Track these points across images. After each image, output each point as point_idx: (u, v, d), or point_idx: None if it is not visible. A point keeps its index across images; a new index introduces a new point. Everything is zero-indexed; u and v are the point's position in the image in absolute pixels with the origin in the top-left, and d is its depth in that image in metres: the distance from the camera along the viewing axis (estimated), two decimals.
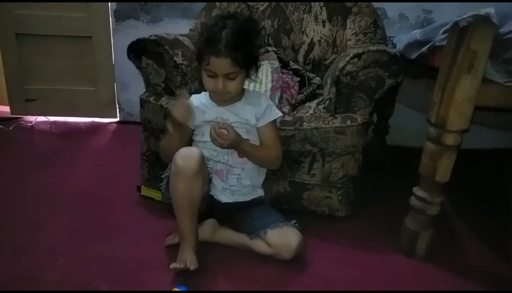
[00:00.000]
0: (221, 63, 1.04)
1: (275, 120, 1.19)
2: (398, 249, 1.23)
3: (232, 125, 1.12)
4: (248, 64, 1.09)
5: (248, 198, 1.22)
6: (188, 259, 1.04)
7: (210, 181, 1.17)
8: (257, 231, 1.13)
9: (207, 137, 1.12)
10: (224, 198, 1.20)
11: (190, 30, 1.82)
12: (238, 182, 1.18)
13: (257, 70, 1.16)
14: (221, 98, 1.14)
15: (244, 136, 1.14)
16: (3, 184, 1.57)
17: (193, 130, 1.20)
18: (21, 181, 1.61)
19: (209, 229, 1.20)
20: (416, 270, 1.16)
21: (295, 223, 1.15)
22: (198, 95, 1.23)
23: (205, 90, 1.19)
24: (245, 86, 1.23)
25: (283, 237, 1.11)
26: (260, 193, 1.26)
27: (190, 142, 1.21)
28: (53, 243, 1.19)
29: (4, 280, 1.03)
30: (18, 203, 1.42)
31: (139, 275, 1.07)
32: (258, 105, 1.16)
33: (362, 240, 1.30)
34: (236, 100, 1.16)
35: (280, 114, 1.20)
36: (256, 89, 1.39)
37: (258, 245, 1.13)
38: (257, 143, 1.18)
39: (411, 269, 1.17)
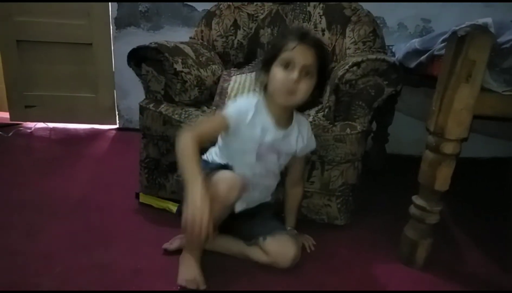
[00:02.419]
0: (306, 51, 0.98)
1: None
2: (398, 258, 1.23)
3: (282, 155, 1.12)
4: (322, 73, 1.04)
5: (256, 203, 1.21)
6: (198, 279, 1.02)
7: None
8: (256, 237, 1.12)
9: (249, 158, 1.08)
10: (237, 206, 1.11)
11: (190, 38, 1.84)
12: (258, 193, 1.18)
13: (317, 100, 1.11)
14: (287, 101, 1.02)
15: (284, 164, 1.16)
16: (2, 190, 1.57)
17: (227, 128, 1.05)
18: (19, 187, 1.60)
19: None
20: (416, 279, 1.16)
21: (292, 232, 1.15)
22: (256, 99, 1.08)
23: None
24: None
25: (281, 246, 1.10)
26: (268, 198, 1.24)
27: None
28: (51, 250, 1.19)
29: (1, 286, 1.02)
30: (16, 209, 1.41)
31: (137, 283, 1.07)
32: (305, 134, 1.14)
33: (361, 248, 1.29)
34: (289, 122, 1.10)
35: (315, 144, 1.19)
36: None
37: (255, 253, 1.12)
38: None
39: (411, 278, 1.16)
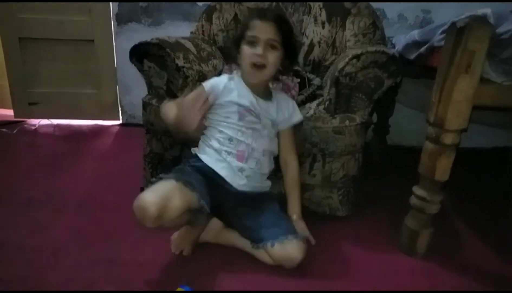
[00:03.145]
0: (266, 27, 1.08)
1: (295, 124, 1.23)
2: (399, 248, 1.24)
3: (262, 119, 1.17)
4: (288, 45, 1.13)
5: (258, 188, 1.21)
6: (185, 248, 1.16)
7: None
8: (262, 242, 1.10)
9: (232, 119, 1.15)
10: (238, 179, 1.15)
11: (191, 33, 1.84)
12: (257, 166, 1.17)
13: (290, 69, 1.21)
14: (257, 77, 1.14)
15: (269, 128, 1.19)
16: (9, 186, 1.60)
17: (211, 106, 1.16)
18: (26, 184, 1.63)
19: (213, 231, 1.22)
20: (416, 269, 1.18)
21: (298, 235, 1.11)
22: (228, 75, 1.23)
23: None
24: None
25: (286, 251, 1.08)
26: (268, 184, 1.25)
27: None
28: (58, 245, 1.21)
29: (10, 281, 1.05)
30: (23, 206, 1.44)
31: (143, 277, 1.09)
32: (287, 107, 1.21)
33: (363, 239, 1.31)
34: (269, 97, 1.20)
35: (302, 117, 1.24)
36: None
37: (260, 255, 1.13)
38: (275, 138, 1.22)
39: (412, 268, 1.18)
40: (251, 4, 1.79)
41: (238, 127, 1.15)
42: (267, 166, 1.22)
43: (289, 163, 1.24)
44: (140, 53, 1.42)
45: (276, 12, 1.13)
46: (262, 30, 1.08)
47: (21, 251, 1.17)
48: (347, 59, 1.22)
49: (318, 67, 1.70)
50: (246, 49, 1.12)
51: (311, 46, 1.70)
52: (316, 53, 1.70)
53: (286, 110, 1.21)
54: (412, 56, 1.41)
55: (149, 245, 1.22)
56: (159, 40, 1.40)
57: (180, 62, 1.40)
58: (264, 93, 1.20)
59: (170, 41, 1.44)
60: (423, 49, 1.30)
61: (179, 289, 1.02)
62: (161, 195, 1.01)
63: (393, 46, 1.76)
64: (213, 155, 1.16)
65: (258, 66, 1.10)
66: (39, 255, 1.16)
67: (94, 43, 2.35)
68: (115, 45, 2.37)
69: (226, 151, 1.15)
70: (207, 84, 1.18)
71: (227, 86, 1.17)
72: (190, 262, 1.16)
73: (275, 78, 1.23)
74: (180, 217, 1.06)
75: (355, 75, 1.22)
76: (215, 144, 1.16)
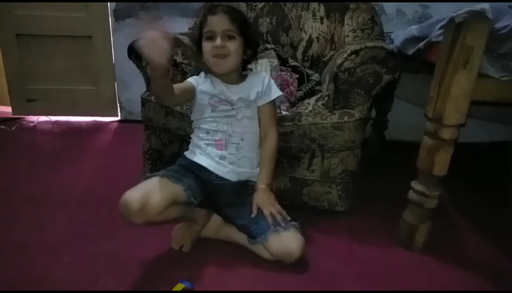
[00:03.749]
0: (219, 19, 1.11)
1: (274, 99, 1.22)
2: (397, 242, 1.25)
3: (234, 105, 1.18)
4: (245, 33, 1.15)
5: (247, 174, 1.21)
6: (185, 244, 1.18)
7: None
8: (257, 238, 1.11)
9: (206, 113, 1.19)
10: (221, 167, 1.17)
11: (189, 28, 1.84)
12: (237, 151, 1.18)
13: (254, 57, 1.22)
14: (221, 65, 1.15)
15: (244, 111, 1.19)
16: (8, 183, 1.60)
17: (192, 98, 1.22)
18: (25, 181, 1.63)
19: (213, 226, 1.23)
20: (415, 263, 1.19)
21: (295, 225, 1.12)
22: (201, 74, 1.25)
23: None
24: None
25: (284, 246, 1.08)
26: (254, 174, 1.22)
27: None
28: (58, 241, 1.22)
29: (11, 278, 1.06)
30: (22, 202, 1.44)
31: (144, 272, 1.10)
32: (260, 83, 1.20)
33: (362, 234, 1.32)
34: (240, 81, 1.21)
35: (280, 93, 1.24)
36: None
37: (259, 251, 1.13)
38: (254, 118, 1.21)
39: (410, 262, 1.19)
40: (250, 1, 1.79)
41: (212, 118, 1.19)
42: (250, 149, 1.21)
43: (268, 134, 1.21)
44: (138, 50, 1.41)
45: (226, 6, 1.14)
46: (217, 23, 1.11)
47: (22, 247, 1.18)
48: (345, 55, 1.22)
49: (317, 63, 1.70)
50: (206, 45, 1.14)
51: (310, 41, 1.70)
52: (314, 48, 1.70)
53: (260, 86, 1.20)
54: (411, 51, 1.41)
55: (149, 241, 1.23)
56: None
57: (178, 58, 1.40)
58: (236, 79, 1.21)
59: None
60: (421, 44, 1.30)
61: (179, 284, 1.03)
62: (142, 191, 1.06)
63: (392, 41, 1.75)
64: (194, 150, 1.21)
65: (223, 56, 1.13)
66: (40, 251, 1.17)
67: (92, 39, 2.34)
68: (113, 41, 2.36)
69: (205, 143, 1.19)
70: (192, 79, 1.24)
71: (201, 81, 1.22)
72: (191, 257, 1.16)
73: (243, 69, 1.24)
74: (168, 212, 1.08)
75: (353, 71, 1.23)
76: (196, 140, 1.22)
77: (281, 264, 1.12)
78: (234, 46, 1.13)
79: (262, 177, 1.19)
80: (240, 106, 1.18)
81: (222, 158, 1.18)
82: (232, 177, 1.18)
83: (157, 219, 1.08)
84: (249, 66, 1.26)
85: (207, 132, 1.20)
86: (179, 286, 1.03)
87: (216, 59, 1.14)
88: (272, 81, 1.25)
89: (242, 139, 1.19)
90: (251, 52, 1.20)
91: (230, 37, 1.12)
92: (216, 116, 1.19)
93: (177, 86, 1.15)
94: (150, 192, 1.06)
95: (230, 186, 1.18)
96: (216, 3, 1.15)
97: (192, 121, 1.25)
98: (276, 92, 1.22)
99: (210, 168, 1.17)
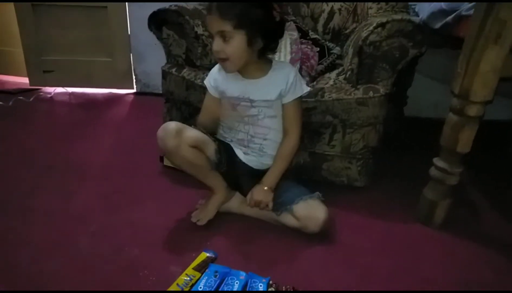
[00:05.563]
0: (212, 20, 1.02)
1: (300, 96, 1.15)
2: (415, 218, 1.26)
3: (255, 104, 1.13)
4: (246, 26, 1.01)
5: (268, 166, 1.22)
6: (202, 216, 1.19)
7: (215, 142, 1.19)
8: (282, 208, 1.14)
9: (227, 109, 1.18)
10: (248, 158, 1.21)
11: None
12: (260, 151, 1.20)
13: (273, 44, 1.11)
14: (226, 69, 1.10)
15: (265, 110, 1.14)
16: (30, 153, 1.64)
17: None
18: (46, 151, 1.66)
19: (237, 201, 1.25)
20: (433, 238, 1.20)
21: (319, 196, 1.16)
22: (218, 65, 1.18)
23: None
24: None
25: (310, 210, 1.12)
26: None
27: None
28: (84, 210, 1.26)
29: (40, 244, 1.10)
30: (45, 173, 1.48)
31: (168, 240, 1.13)
32: (284, 80, 1.11)
33: (380, 209, 1.33)
34: (262, 74, 1.13)
35: (307, 90, 1.16)
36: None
37: (286, 219, 1.15)
38: (278, 115, 1.16)
39: (428, 237, 1.20)
40: None
41: (232, 117, 1.18)
42: (273, 148, 1.19)
43: (289, 133, 1.17)
44: (158, 21, 1.40)
45: (222, 1, 1.01)
46: (210, 24, 1.04)
47: (49, 215, 1.22)
48: (371, 28, 1.19)
49: (338, 36, 1.66)
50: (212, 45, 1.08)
51: (331, 13, 1.66)
52: (336, 21, 1.66)
53: (284, 84, 1.11)
54: (437, 25, 1.37)
55: (171, 210, 1.26)
56: (178, 7, 1.38)
57: (199, 30, 1.38)
58: (255, 72, 1.13)
59: (188, 8, 1.42)
60: (449, 18, 1.26)
61: (203, 253, 1.07)
62: (181, 123, 1.13)
63: (416, 14, 1.70)
64: (221, 136, 1.25)
65: (223, 59, 1.06)
66: (66, 220, 1.21)
67: (108, 9, 2.31)
68: (128, 13, 2.33)
69: (229, 140, 1.21)
70: (209, 87, 1.20)
71: (217, 79, 1.17)
72: (214, 228, 1.19)
73: (263, 56, 1.12)
74: (196, 153, 1.12)
75: (379, 45, 1.20)
76: (221, 132, 1.24)
77: (304, 234, 1.14)
78: (231, 49, 1.03)
79: (268, 177, 1.17)
80: (261, 105, 1.14)
81: (246, 153, 1.21)
82: (256, 166, 1.21)
83: (187, 153, 1.10)
84: (270, 56, 1.16)
85: (229, 128, 1.20)
86: (203, 255, 1.06)
87: (220, 62, 1.10)
88: (299, 76, 1.16)
89: (264, 140, 1.18)
90: (263, 42, 1.06)
91: (226, 38, 1.02)
92: (237, 116, 1.17)
93: (208, 113, 1.20)
94: (187, 127, 1.13)
95: (254, 171, 1.22)
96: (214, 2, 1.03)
97: None
98: (302, 89, 1.14)
99: (236, 152, 1.21)
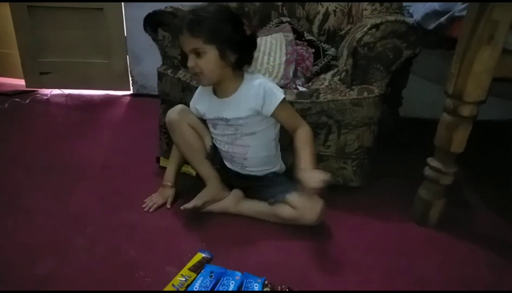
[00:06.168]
0: (183, 39, 1.08)
1: (283, 99, 1.13)
2: (410, 218, 1.27)
3: (230, 122, 1.17)
4: (216, 42, 1.05)
5: (261, 173, 1.27)
6: (196, 202, 1.21)
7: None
8: (280, 196, 1.17)
9: (211, 128, 1.25)
10: (234, 168, 1.29)
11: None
12: (242, 169, 1.26)
13: (248, 57, 1.15)
14: (201, 83, 1.19)
15: (241, 129, 1.17)
16: (27, 154, 1.64)
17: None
18: (43, 152, 1.66)
19: (233, 199, 1.25)
20: (428, 238, 1.21)
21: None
22: (199, 89, 1.27)
23: None
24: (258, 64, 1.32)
25: (308, 200, 1.12)
26: (272, 169, 1.27)
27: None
28: (81, 211, 1.26)
29: (36, 245, 1.10)
30: (43, 173, 1.48)
31: (164, 240, 1.14)
32: (254, 96, 1.12)
33: (375, 209, 1.34)
34: (233, 91, 1.16)
35: (283, 95, 1.13)
36: (270, 64, 1.40)
37: (282, 209, 1.16)
38: (256, 131, 1.18)
39: (423, 237, 1.21)
40: None
41: (215, 136, 1.25)
42: (256, 162, 1.23)
43: (298, 129, 1.17)
44: (154, 23, 1.40)
45: (190, 19, 1.05)
46: (183, 44, 1.09)
47: (45, 216, 1.22)
48: (365, 29, 1.20)
49: (333, 37, 1.67)
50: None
51: (326, 14, 1.67)
52: (331, 22, 1.67)
53: (254, 100, 1.12)
54: (431, 26, 1.38)
55: (167, 211, 1.27)
56: (173, 9, 1.38)
57: None
58: (228, 90, 1.16)
59: (184, 10, 1.42)
60: (443, 19, 1.27)
61: (199, 254, 1.07)
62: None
63: (411, 15, 1.71)
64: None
65: (197, 74, 1.10)
66: (63, 220, 1.21)
67: (104, 11, 2.31)
68: (124, 14, 2.33)
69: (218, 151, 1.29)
70: (192, 106, 1.27)
71: (198, 102, 1.24)
72: (210, 228, 1.20)
73: (237, 70, 1.15)
74: (196, 137, 1.25)
75: (373, 46, 1.21)
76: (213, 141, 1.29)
77: (299, 232, 1.15)
78: (204, 63, 1.07)
79: (305, 162, 1.11)
80: (236, 123, 1.17)
81: (231, 165, 1.28)
82: (242, 172, 1.27)
83: (186, 130, 1.24)
84: (245, 67, 1.18)
85: (217, 143, 1.25)
86: (199, 255, 1.06)
87: (195, 77, 1.14)
88: (270, 84, 1.15)
89: (245, 159, 1.22)
90: (236, 55, 1.09)
91: (198, 54, 1.07)
92: (218, 134, 1.23)
93: (196, 130, 1.26)
94: (191, 113, 1.27)
95: (241, 175, 1.28)
96: (181, 17, 1.12)
97: None
98: (279, 96, 1.12)
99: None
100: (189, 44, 1.07)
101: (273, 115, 1.15)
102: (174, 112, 1.24)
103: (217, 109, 1.18)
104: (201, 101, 1.23)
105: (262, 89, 1.12)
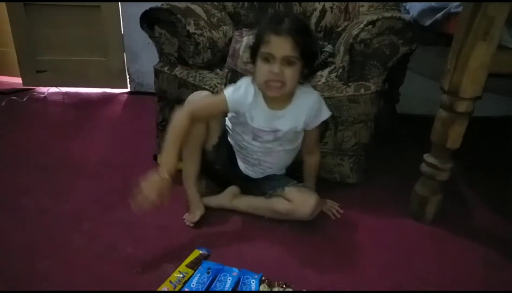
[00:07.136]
0: (282, 43, 0.99)
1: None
2: (407, 214, 1.28)
3: (279, 135, 1.14)
4: (307, 56, 1.03)
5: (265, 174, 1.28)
6: (195, 212, 1.19)
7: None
8: (274, 189, 1.19)
9: (247, 136, 1.18)
10: (249, 172, 1.27)
11: None
12: (263, 172, 1.26)
13: (312, 74, 1.19)
14: (274, 93, 1.06)
15: (285, 144, 1.18)
16: (24, 153, 1.63)
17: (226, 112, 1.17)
18: (40, 150, 1.66)
19: (229, 195, 1.26)
20: (424, 233, 1.21)
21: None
22: (245, 84, 1.13)
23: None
24: None
25: (303, 193, 1.15)
26: (283, 171, 1.31)
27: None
28: (77, 209, 1.26)
29: (33, 243, 1.10)
30: (39, 171, 1.48)
31: (161, 238, 1.14)
32: (309, 109, 1.12)
33: (372, 205, 1.35)
34: (286, 103, 1.12)
35: (329, 114, 1.17)
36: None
37: (277, 202, 1.17)
38: (294, 148, 1.21)
39: (419, 232, 1.22)
40: None
41: (250, 146, 1.19)
42: (277, 169, 1.27)
43: (311, 157, 1.25)
44: (150, 19, 1.40)
45: (292, 24, 0.99)
46: (278, 47, 0.99)
47: (42, 214, 1.22)
48: (362, 25, 1.20)
49: (330, 34, 1.67)
50: (261, 66, 1.03)
51: (323, 11, 1.67)
52: (328, 19, 1.66)
53: (310, 112, 1.12)
54: (428, 22, 1.38)
55: (164, 209, 1.26)
56: (169, 6, 1.38)
57: (191, 28, 1.38)
58: (281, 102, 1.12)
59: (180, 7, 1.42)
60: (439, 15, 1.27)
61: (196, 250, 1.07)
62: None
63: (407, 12, 1.71)
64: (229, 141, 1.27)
65: (276, 82, 1.03)
66: (59, 219, 1.21)
67: (100, 9, 2.30)
68: (121, 12, 2.32)
69: (237, 150, 1.24)
70: (229, 100, 1.12)
71: (242, 102, 1.12)
72: (207, 225, 1.20)
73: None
74: (201, 129, 1.17)
75: (370, 42, 1.21)
76: (229, 138, 1.25)
77: (295, 228, 1.16)
78: (291, 73, 1.02)
79: (307, 183, 1.26)
80: (281, 136, 1.14)
81: (247, 168, 1.26)
82: (254, 176, 1.27)
83: (199, 111, 1.13)
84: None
85: (240, 148, 1.22)
86: (196, 252, 1.07)
87: (269, 84, 1.04)
88: (322, 100, 1.16)
89: (271, 168, 1.24)
90: (308, 71, 1.09)
91: (289, 63, 1.01)
92: (255, 145, 1.18)
93: (207, 112, 1.16)
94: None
95: (250, 179, 1.28)
96: (279, 18, 1.02)
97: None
98: (325, 114, 1.15)
99: (238, 162, 1.27)
100: (285, 50, 0.99)
101: (308, 131, 1.17)
102: (200, 93, 1.19)
103: (269, 121, 1.12)
104: (249, 104, 1.11)
105: (318, 103, 1.13)
